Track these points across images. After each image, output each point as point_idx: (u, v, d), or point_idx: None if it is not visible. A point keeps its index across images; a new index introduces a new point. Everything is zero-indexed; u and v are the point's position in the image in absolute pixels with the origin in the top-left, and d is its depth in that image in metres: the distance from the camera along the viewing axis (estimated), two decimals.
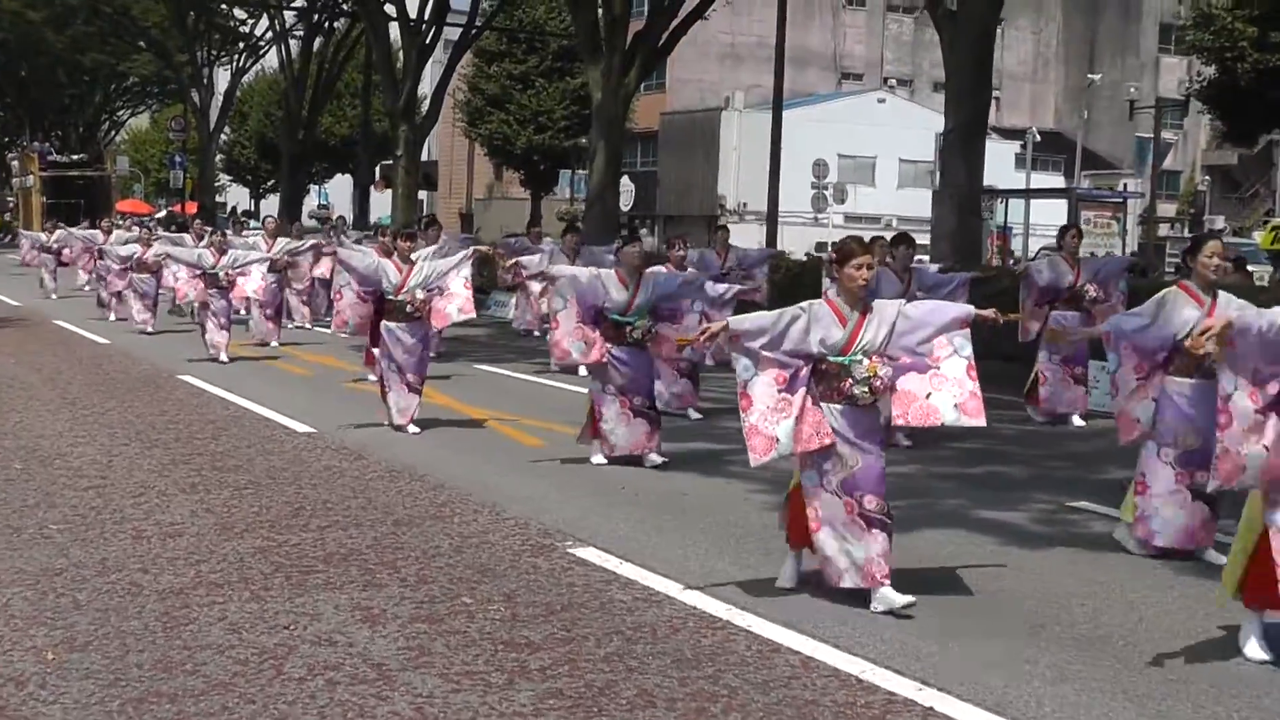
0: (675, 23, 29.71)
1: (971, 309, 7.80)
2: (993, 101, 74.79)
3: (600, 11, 29.41)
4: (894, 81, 71.98)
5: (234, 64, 58.58)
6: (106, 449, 12.09)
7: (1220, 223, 57.78)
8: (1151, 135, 51.76)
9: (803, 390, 7.54)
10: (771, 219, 28.74)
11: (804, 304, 7.69)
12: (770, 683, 6.29)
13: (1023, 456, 12.87)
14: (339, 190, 76.03)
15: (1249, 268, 33.29)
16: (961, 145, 20.33)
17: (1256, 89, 29.02)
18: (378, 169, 72.57)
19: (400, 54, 39.01)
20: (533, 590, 7.77)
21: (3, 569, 8.00)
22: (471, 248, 14.95)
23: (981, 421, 7.58)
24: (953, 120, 20.21)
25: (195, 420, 13.89)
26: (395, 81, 37.21)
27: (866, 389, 7.48)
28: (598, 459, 11.63)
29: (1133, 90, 62.05)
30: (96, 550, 8.49)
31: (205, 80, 57.71)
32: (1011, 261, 36.27)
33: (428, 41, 37.09)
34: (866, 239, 8.75)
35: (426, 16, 37.40)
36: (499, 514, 9.75)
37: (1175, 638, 7.11)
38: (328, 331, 21.11)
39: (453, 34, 41.52)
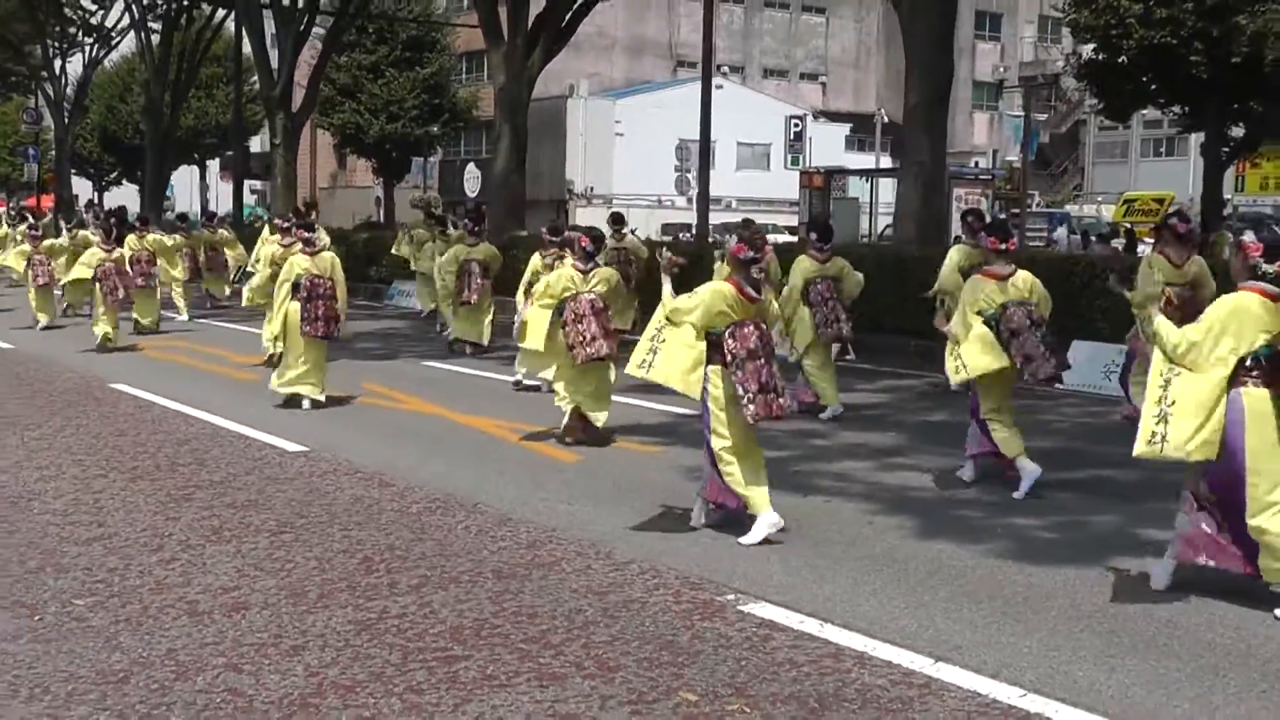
0: (578, 3, 27.47)
1: None
2: (820, 87, 74.66)
3: None
4: (726, 68, 70.31)
5: (85, 54, 54.37)
6: (83, 482, 9.62)
7: (1036, 197, 57.64)
8: (1020, 114, 50.88)
9: None
10: (703, 199, 26.53)
11: None
12: None
13: (1104, 456, 10.89)
14: (181, 181, 71.68)
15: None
16: (924, 120, 18.31)
17: (1136, 67, 27.79)
18: (218, 160, 68.83)
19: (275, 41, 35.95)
20: (756, 677, 5.67)
21: (47, 674, 5.67)
22: None
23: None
24: (915, 95, 18.14)
25: (165, 441, 11.39)
26: (270, 69, 34.30)
27: None
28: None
29: (1002, 70, 61.32)
30: (153, 636, 6.17)
31: (59, 71, 53.52)
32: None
33: (302, 28, 34.16)
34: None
35: (301, 3, 34.44)
36: (610, 556, 7.63)
37: None
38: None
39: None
